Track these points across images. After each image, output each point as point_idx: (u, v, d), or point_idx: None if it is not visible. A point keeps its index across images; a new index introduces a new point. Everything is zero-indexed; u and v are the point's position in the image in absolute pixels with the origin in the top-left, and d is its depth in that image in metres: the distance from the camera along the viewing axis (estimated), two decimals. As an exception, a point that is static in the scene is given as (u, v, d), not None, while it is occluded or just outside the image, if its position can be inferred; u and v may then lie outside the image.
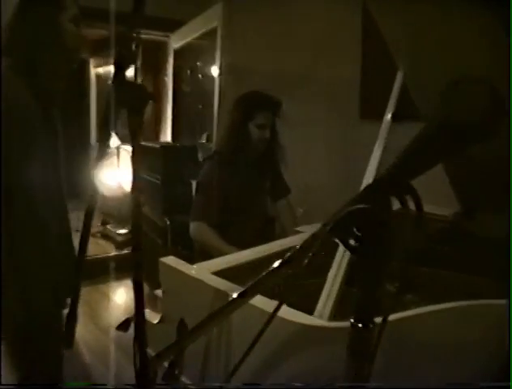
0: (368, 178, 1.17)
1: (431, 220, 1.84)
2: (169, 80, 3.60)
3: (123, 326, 1.22)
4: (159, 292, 1.99)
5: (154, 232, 2.75)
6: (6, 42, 1.14)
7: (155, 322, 1.27)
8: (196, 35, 3.07)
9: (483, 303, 0.92)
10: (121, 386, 1.02)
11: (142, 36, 2.81)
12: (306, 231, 1.81)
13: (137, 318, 0.74)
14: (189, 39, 3.21)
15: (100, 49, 4.35)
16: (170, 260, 1.24)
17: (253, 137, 1.97)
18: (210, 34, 2.78)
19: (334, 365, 0.85)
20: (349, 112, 2.73)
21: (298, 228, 1.86)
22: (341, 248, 1.04)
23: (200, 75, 3.44)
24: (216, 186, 1.96)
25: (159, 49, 3.74)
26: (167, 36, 3.57)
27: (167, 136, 3.79)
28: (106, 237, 3.61)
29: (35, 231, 1.12)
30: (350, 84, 2.72)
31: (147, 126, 3.86)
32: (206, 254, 2.03)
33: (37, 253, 1.12)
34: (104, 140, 1.44)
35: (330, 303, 0.95)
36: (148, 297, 1.15)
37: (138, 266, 0.74)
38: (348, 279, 1.00)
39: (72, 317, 0.88)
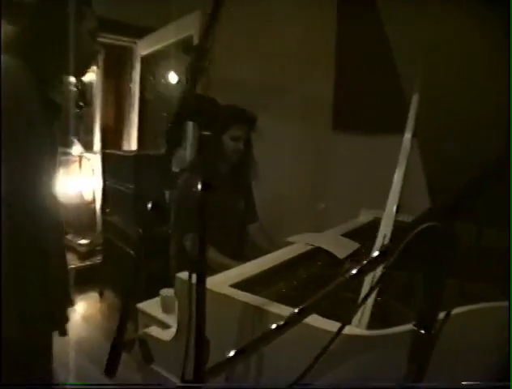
0: (394, 194, 1.20)
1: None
2: (135, 87, 3.51)
3: (128, 346, 1.18)
4: (140, 305, 1.97)
5: (126, 244, 2.67)
6: (19, 42, 1.09)
7: (168, 338, 1.24)
8: (167, 42, 3.02)
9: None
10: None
11: (106, 40, 2.75)
12: (297, 241, 1.85)
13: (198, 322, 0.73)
14: (158, 46, 3.15)
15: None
16: (186, 275, 1.21)
17: (226, 148, 2.02)
18: (183, 42, 2.75)
19: (375, 371, 0.88)
20: (322, 123, 2.80)
21: (289, 239, 1.88)
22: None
23: (166, 83, 3.40)
24: (194, 199, 1.97)
25: (123, 55, 3.65)
26: (133, 43, 3.50)
27: (131, 144, 3.69)
28: (68, 248, 3.44)
29: (33, 242, 1.08)
30: (323, 96, 2.79)
31: (110, 133, 3.76)
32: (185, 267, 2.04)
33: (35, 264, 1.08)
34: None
35: (367, 313, 0.97)
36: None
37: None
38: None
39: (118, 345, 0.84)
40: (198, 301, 0.76)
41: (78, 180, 3.56)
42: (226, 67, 2.97)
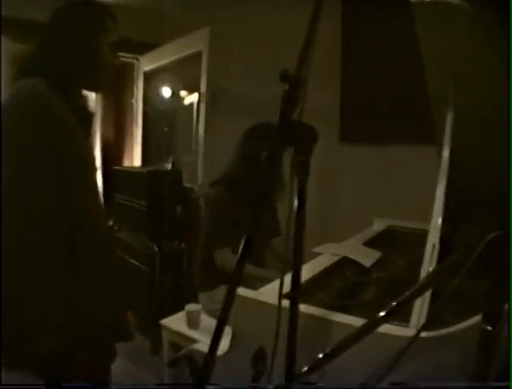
0: (438, 206, 1.24)
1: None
2: (138, 103, 3.52)
3: (174, 363, 1.19)
4: (164, 321, 1.96)
5: (139, 261, 2.66)
6: (39, 62, 1.09)
7: (222, 353, 1.24)
8: (172, 58, 3.05)
9: None
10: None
11: None
12: (322, 251, 1.88)
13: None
14: (163, 62, 3.17)
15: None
16: (243, 291, 1.23)
17: (264, 166, 2.00)
18: (191, 58, 2.78)
19: (432, 371, 0.91)
20: (329, 135, 2.85)
21: (315, 250, 1.91)
22: (427, 261, 1.11)
23: (169, 98, 3.41)
24: (228, 212, 1.99)
25: (124, 71, 3.66)
26: (135, 59, 3.51)
27: (133, 160, 3.68)
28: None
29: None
30: (329, 108, 2.85)
31: (111, 149, 3.75)
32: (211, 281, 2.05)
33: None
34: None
35: (424, 314, 1.00)
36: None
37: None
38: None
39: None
40: (291, 313, 0.78)
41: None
42: (234, 82, 3.03)
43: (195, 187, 2.70)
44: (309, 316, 1.07)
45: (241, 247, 0.76)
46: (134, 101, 3.58)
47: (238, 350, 1.18)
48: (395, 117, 2.62)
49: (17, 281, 0.92)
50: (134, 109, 3.58)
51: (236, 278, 0.76)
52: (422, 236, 2.08)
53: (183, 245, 2.62)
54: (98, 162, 3.65)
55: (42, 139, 0.97)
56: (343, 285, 1.50)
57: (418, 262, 1.65)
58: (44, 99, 1.00)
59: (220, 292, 2.04)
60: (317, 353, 0.93)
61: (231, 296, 0.76)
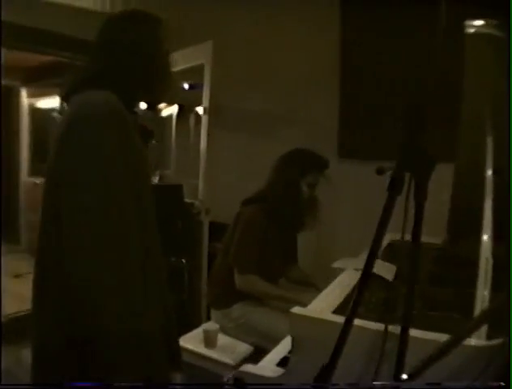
0: (487, 224, 1.26)
1: (429, 249, 2.07)
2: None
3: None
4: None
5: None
6: (107, 75, 1.06)
7: (275, 375, 1.21)
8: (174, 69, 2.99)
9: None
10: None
11: None
12: (342, 266, 1.89)
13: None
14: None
15: (36, 78, 4.00)
16: (301, 310, 1.20)
17: (303, 194, 2.05)
18: (194, 70, 2.75)
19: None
20: (328, 151, 2.88)
21: (334, 265, 1.92)
22: (482, 274, 1.13)
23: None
24: (260, 231, 2.00)
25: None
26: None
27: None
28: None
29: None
30: (328, 124, 2.90)
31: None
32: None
33: None
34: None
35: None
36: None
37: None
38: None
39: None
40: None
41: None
42: (236, 96, 3.03)
43: (196, 202, 2.65)
44: (365, 330, 1.06)
45: (364, 263, 0.75)
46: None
47: (299, 366, 1.15)
48: (395, 133, 2.70)
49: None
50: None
51: (358, 300, 0.74)
52: (425, 249, 2.15)
53: (183, 260, 2.56)
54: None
55: (122, 155, 0.93)
56: (377, 300, 1.51)
57: (431, 274, 1.70)
58: (121, 112, 0.97)
59: (237, 310, 2.01)
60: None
61: (348, 324, 0.75)
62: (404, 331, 0.78)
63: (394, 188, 0.74)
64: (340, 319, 1.14)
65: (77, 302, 0.87)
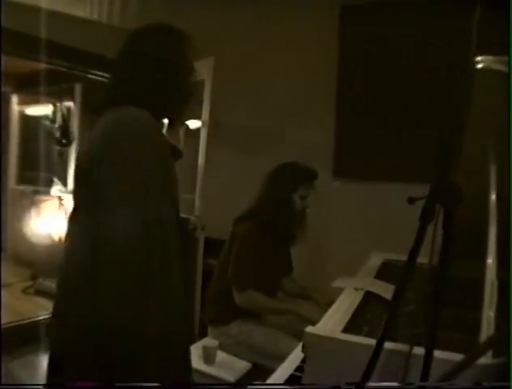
0: (491, 248, 1.31)
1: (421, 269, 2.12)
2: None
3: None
4: None
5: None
6: (140, 93, 1.07)
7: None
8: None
9: None
10: None
11: (90, 76, 2.70)
12: (341, 286, 1.92)
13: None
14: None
15: (27, 85, 3.95)
16: (315, 329, 1.23)
17: (296, 207, 2.09)
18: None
19: None
20: (322, 170, 2.93)
21: (334, 285, 1.95)
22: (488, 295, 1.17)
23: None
24: (256, 248, 2.02)
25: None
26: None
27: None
28: (41, 293, 3.19)
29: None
30: (323, 145, 2.96)
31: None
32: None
33: None
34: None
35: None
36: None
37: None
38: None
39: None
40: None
41: (55, 221, 3.36)
42: (231, 114, 3.07)
43: (192, 217, 2.66)
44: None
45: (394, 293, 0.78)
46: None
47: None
48: (390, 154, 2.78)
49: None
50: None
51: (391, 318, 0.77)
52: (419, 269, 2.20)
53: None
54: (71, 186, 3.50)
55: (161, 172, 0.95)
56: (381, 319, 1.54)
57: (428, 294, 1.74)
58: (159, 131, 1.00)
59: (235, 327, 2.02)
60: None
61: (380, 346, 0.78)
62: (429, 350, 0.81)
63: (425, 218, 0.78)
64: (351, 338, 1.19)
65: (108, 317, 0.88)
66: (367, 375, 0.79)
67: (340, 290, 2.04)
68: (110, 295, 0.88)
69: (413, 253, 0.81)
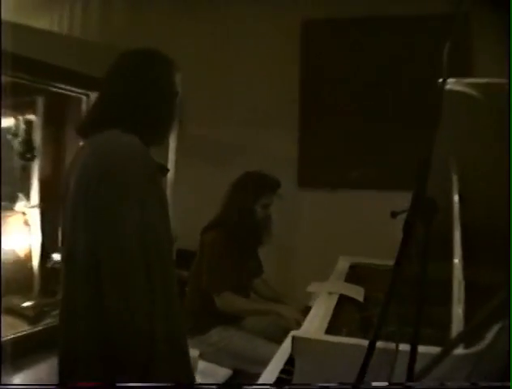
0: (457, 249, 1.42)
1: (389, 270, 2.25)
2: (87, 140, 3.38)
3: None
4: None
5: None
6: (126, 117, 1.11)
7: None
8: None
9: None
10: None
11: (52, 88, 2.69)
12: (316, 290, 2.02)
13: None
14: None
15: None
16: (304, 333, 1.30)
17: (258, 215, 2.18)
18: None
19: None
20: (288, 180, 3.03)
21: (308, 289, 2.04)
22: (456, 293, 1.28)
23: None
24: (225, 254, 2.09)
25: (69, 106, 3.53)
26: (84, 95, 3.41)
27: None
28: (9, 311, 3.08)
29: None
30: (288, 155, 3.06)
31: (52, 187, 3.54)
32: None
33: None
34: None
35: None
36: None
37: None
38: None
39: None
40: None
41: (19, 236, 3.28)
42: (198, 126, 3.12)
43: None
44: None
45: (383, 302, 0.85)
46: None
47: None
48: (353, 163, 2.93)
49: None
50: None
51: (382, 318, 0.85)
52: (385, 271, 2.33)
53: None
54: (36, 201, 3.45)
55: (153, 192, 1.00)
56: (356, 320, 1.64)
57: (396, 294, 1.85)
58: (148, 153, 1.04)
59: (215, 335, 2.07)
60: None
61: (373, 346, 0.85)
62: (414, 346, 0.90)
63: (408, 230, 0.87)
64: (336, 339, 1.28)
65: (114, 327, 0.92)
66: (362, 374, 0.87)
67: (309, 295, 2.14)
68: (116, 305, 0.92)
69: (399, 259, 0.89)
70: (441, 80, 1.22)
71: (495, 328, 1.10)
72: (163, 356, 0.99)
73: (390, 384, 0.95)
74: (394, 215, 0.98)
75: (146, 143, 1.10)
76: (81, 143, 1.16)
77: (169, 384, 1.03)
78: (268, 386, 1.22)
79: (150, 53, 1.20)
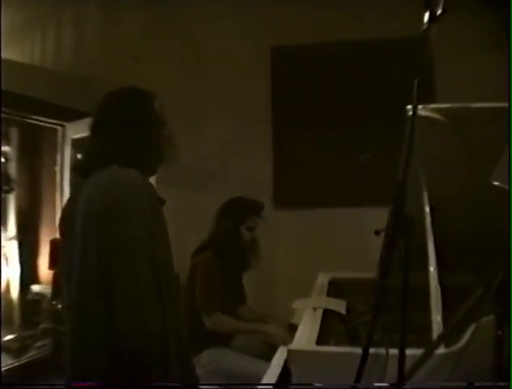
0: (432, 258, 1.53)
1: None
2: (65, 170, 3.41)
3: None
4: None
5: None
6: (117, 150, 1.18)
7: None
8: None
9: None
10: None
11: (26, 120, 2.72)
12: (300, 307, 2.09)
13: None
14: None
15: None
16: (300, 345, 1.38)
17: (244, 238, 2.28)
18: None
19: None
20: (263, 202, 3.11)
21: (294, 306, 2.11)
22: (434, 299, 1.39)
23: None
24: (217, 275, 2.17)
25: (44, 137, 3.54)
26: (59, 125, 3.44)
27: (52, 230, 3.50)
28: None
29: None
30: (262, 175, 3.16)
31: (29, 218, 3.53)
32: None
33: None
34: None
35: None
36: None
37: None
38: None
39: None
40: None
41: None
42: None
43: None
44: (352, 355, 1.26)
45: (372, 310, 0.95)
46: (57, 169, 3.47)
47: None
48: (327, 182, 3.05)
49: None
50: (58, 177, 3.46)
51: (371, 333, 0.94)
52: (363, 284, 2.43)
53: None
54: (13, 232, 3.42)
55: (157, 223, 1.08)
56: (341, 331, 1.73)
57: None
58: (151, 187, 1.12)
59: (206, 356, 2.12)
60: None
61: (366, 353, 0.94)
62: (402, 350, 1.00)
63: (390, 246, 0.98)
64: (326, 349, 1.36)
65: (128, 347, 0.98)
66: (358, 377, 0.95)
67: (292, 312, 2.21)
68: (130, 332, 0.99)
69: (384, 273, 0.98)
70: (410, 107, 1.35)
71: (470, 328, 1.21)
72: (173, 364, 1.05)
73: (390, 384, 1.03)
74: (377, 233, 1.08)
75: (145, 172, 1.19)
76: (78, 181, 1.20)
77: (174, 384, 1.09)
78: (269, 386, 1.29)
79: (129, 90, 1.28)
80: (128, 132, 1.20)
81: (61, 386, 1.09)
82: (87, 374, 1.03)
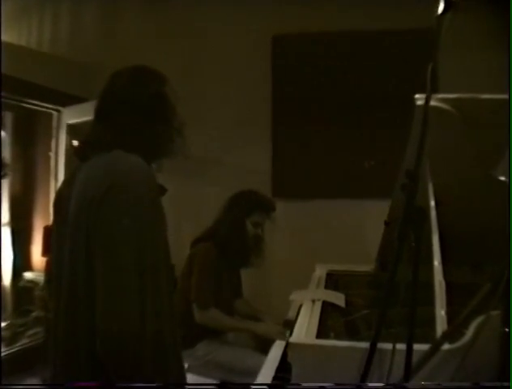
0: (436, 254, 1.50)
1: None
2: (59, 156, 3.35)
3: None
4: None
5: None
6: (121, 134, 1.10)
7: None
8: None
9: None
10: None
11: (21, 104, 2.66)
12: (299, 298, 2.06)
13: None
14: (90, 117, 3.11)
15: None
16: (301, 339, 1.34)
17: (249, 232, 2.21)
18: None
19: None
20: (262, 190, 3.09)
21: (291, 298, 2.08)
22: (438, 294, 1.36)
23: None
24: (214, 267, 2.12)
25: (38, 122, 3.48)
26: (55, 110, 3.38)
27: (46, 216, 3.45)
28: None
29: None
30: (261, 165, 3.13)
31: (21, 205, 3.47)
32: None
33: None
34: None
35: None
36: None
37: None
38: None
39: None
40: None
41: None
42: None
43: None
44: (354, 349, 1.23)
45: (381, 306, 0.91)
46: (52, 154, 3.40)
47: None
48: (325, 173, 3.02)
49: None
50: (53, 163, 3.40)
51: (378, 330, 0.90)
52: (361, 276, 2.41)
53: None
54: (6, 218, 3.37)
55: (155, 214, 1.03)
56: (341, 324, 1.70)
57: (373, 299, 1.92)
58: (152, 174, 1.04)
59: (201, 348, 2.08)
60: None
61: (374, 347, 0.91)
62: (409, 345, 0.96)
63: (402, 238, 0.94)
64: (326, 342, 1.33)
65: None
66: (365, 375, 0.92)
67: (288, 306, 2.18)
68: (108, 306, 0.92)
69: (394, 266, 0.95)
70: (418, 96, 1.30)
71: (474, 325, 1.18)
72: (152, 356, 0.97)
73: (394, 384, 1.00)
74: (387, 224, 1.05)
75: (149, 159, 1.10)
76: (76, 165, 1.12)
77: (169, 384, 1.04)
78: (266, 387, 1.25)
79: (140, 70, 1.19)
80: (135, 116, 1.10)
81: (62, 387, 1.04)
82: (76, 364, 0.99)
